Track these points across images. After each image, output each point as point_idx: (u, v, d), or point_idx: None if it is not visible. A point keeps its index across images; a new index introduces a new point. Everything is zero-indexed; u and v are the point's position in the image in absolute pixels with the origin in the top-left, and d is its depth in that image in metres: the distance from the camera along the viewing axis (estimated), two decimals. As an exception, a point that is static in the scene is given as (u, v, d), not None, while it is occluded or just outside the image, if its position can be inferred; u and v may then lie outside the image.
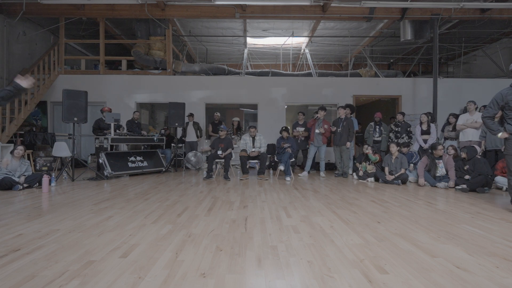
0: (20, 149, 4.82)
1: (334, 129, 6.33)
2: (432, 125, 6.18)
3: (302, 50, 11.08)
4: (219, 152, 6.04)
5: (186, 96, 8.55)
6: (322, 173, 6.47)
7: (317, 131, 6.36)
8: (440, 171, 5.08)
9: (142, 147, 7.41)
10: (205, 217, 2.98)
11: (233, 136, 8.01)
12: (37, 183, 4.72)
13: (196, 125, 7.83)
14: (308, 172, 6.67)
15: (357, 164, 6.09)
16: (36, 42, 8.96)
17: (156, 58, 8.67)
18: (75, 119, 5.63)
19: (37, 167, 6.51)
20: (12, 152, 4.79)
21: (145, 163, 6.65)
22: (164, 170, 6.91)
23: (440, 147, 5.16)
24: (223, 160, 6.05)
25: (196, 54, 11.68)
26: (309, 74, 9.49)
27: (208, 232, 2.49)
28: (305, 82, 8.89)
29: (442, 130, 6.49)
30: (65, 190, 4.58)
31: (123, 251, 2.05)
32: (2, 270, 1.74)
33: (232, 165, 6.77)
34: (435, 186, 5.00)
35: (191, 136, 7.76)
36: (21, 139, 7.14)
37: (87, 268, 1.77)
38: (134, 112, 7.46)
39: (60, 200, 3.78)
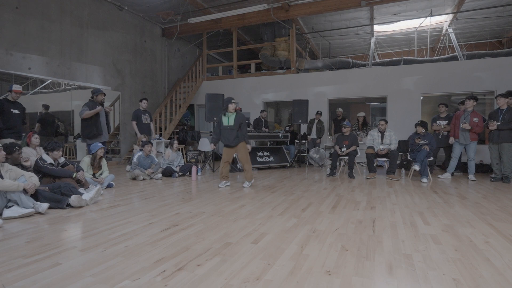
0: (176, 143, 6.15)
1: (493, 124, 5.11)
2: None
3: (444, 31, 9.41)
4: (342, 150, 5.84)
5: (309, 93, 8.62)
6: (471, 176, 5.36)
7: (461, 126, 5.30)
8: None
9: (268, 143, 7.93)
10: (329, 214, 2.94)
11: (358, 132, 7.58)
12: (188, 172, 5.81)
13: (319, 123, 7.83)
14: (452, 174, 5.64)
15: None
16: (187, 56, 10.90)
17: (280, 59, 9.10)
18: (215, 118, 6.54)
19: (188, 159, 7.92)
20: (171, 146, 6.04)
21: (271, 158, 7.11)
22: (288, 165, 7.21)
23: None
24: (347, 157, 5.82)
25: (319, 50, 11.61)
26: (454, 58, 7.96)
27: (332, 230, 2.45)
28: (448, 68, 7.51)
29: None
30: (208, 179, 5.40)
31: (254, 237, 2.26)
32: (168, 239, 2.21)
33: (357, 162, 6.42)
34: None
35: (314, 133, 7.83)
36: (177, 136, 8.86)
37: (226, 248, 2.04)
38: (262, 111, 8.06)
39: (204, 188, 4.48)
